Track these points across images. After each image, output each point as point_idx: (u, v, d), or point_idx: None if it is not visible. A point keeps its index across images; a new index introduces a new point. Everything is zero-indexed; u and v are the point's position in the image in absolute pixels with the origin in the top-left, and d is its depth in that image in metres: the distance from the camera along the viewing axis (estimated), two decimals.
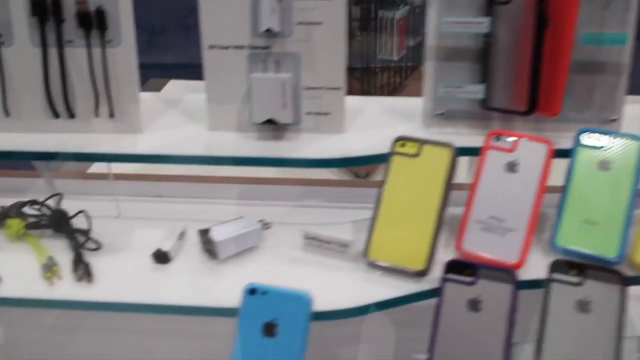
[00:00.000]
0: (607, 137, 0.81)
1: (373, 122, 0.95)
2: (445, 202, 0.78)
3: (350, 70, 1.50)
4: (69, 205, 0.89)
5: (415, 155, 0.81)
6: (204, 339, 0.94)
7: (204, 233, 0.82)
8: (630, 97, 0.88)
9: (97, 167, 1.28)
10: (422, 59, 0.91)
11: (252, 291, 0.71)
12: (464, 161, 0.85)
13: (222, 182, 1.33)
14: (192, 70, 0.98)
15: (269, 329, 0.70)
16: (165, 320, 0.96)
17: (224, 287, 0.79)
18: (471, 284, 0.73)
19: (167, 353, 0.97)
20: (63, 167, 1.44)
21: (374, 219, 0.80)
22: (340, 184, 1.23)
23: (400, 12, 2.20)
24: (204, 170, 1.33)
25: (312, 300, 0.70)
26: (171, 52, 2.36)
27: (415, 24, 2.20)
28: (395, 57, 2.13)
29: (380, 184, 0.81)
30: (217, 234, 0.80)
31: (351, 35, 2.04)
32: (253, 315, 0.71)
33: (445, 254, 0.78)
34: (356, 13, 2.10)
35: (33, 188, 1.07)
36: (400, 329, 0.94)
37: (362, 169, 1.93)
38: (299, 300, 0.70)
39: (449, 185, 0.79)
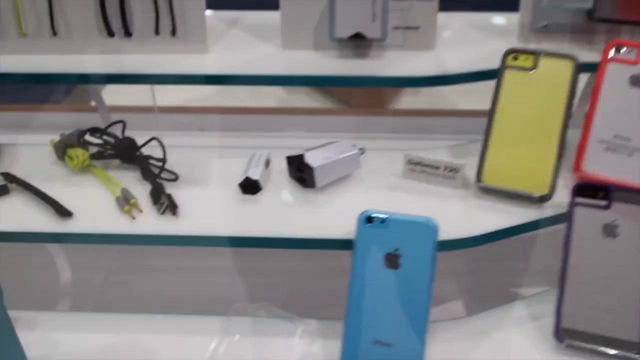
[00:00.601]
0: None
1: (464, 38, 0.87)
2: (567, 120, 0.71)
3: None
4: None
5: (531, 69, 0.73)
6: (297, 274, 0.87)
7: (295, 160, 0.74)
8: None
9: (131, 99, 1.19)
10: None
11: (369, 219, 0.64)
12: None
13: (267, 113, 1.25)
14: None
15: (392, 261, 0.63)
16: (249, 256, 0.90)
17: (323, 217, 0.71)
18: (605, 207, 0.66)
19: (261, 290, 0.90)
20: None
21: (486, 140, 0.73)
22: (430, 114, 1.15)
23: None
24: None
25: (438, 227, 0.63)
26: None
27: None
28: None
29: (492, 103, 0.73)
30: (313, 160, 0.72)
31: None
32: (372, 245, 0.64)
33: (565, 177, 0.72)
34: None
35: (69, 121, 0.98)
36: (494, 263, 0.88)
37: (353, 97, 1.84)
38: (424, 227, 0.63)
39: (571, 102, 0.71)
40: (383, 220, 0.64)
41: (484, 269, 0.88)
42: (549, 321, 0.66)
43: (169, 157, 0.77)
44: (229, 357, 0.65)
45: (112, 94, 1.15)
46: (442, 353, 0.65)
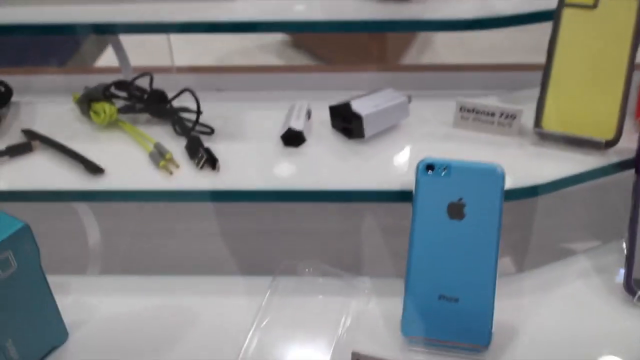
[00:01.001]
0: None
1: None
2: (633, 60, 0.66)
3: None
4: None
5: (593, 7, 0.68)
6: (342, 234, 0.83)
7: (341, 109, 0.70)
8: None
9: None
10: None
11: (429, 167, 0.60)
12: None
13: (281, 71, 1.20)
14: None
15: (456, 211, 0.59)
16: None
17: (373, 169, 0.67)
18: None
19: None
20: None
21: (544, 84, 0.68)
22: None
23: None
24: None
25: (504, 174, 0.59)
26: None
27: None
28: None
29: (550, 43, 0.68)
30: (361, 108, 0.68)
31: None
32: (434, 195, 0.59)
33: (628, 123, 0.68)
34: None
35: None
36: (539, 217, 0.84)
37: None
38: (489, 174, 0.59)
39: (637, 40, 0.67)
40: (445, 168, 0.59)
41: (529, 225, 0.84)
42: (616, 274, 0.63)
43: (206, 110, 0.72)
44: (276, 318, 0.61)
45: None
46: (509, 309, 0.61)
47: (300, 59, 2.08)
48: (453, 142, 0.70)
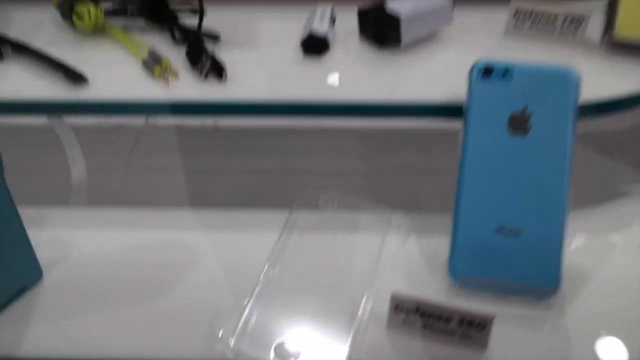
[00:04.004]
0: None
1: None
2: None
3: None
4: None
5: None
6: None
7: (373, 12, 0.58)
8: None
9: None
10: None
11: (486, 71, 0.48)
12: None
13: None
14: None
15: (519, 123, 0.48)
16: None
17: (411, 80, 0.56)
18: None
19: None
20: None
21: None
22: None
23: None
24: None
25: (579, 78, 0.48)
26: None
27: None
28: None
29: None
30: (399, 8, 0.56)
31: None
32: (492, 105, 0.48)
33: None
34: None
35: None
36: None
37: None
38: (561, 78, 0.48)
39: None
40: (505, 72, 0.48)
41: (594, 159, 0.73)
42: None
43: (207, 17, 0.61)
44: (296, 259, 0.50)
45: None
46: (579, 248, 0.50)
47: None
48: (506, 53, 0.58)
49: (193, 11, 0.60)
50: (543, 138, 0.47)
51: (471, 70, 0.49)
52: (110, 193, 0.70)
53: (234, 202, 0.63)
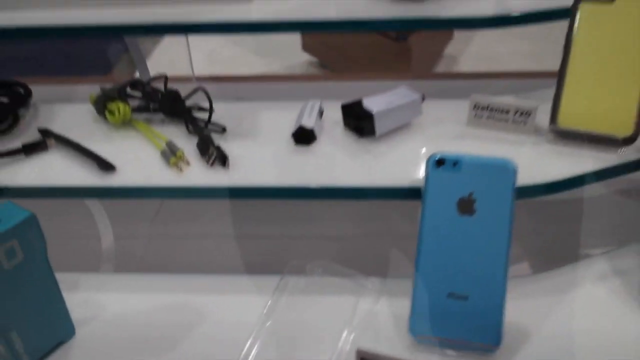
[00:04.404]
0: None
1: None
2: None
3: None
4: None
5: (610, 2, 0.66)
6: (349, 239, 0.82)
7: (353, 107, 0.69)
8: None
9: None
10: None
11: (439, 162, 0.58)
12: None
13: (299, 80, 1.20)
14: None
15: (466, 206, 0.57)
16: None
17: (383, 167, 0.66)
18: None
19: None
20: (108, 75, 1.31)
21: (561, 80, 0.67)
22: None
23: None
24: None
25: (517, 168, 0.57)
26: None
27: None
28: None
29: (567, 39, 0.67)
30: (373, 105, 0.67)
31: None
32: (444, 191, 0.58)
33: None
34: None
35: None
36: (560, 222, 0.82)
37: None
38: (501, 168, 0.57)
39: None
40: (455, 163, 0.58)
41: (546, 226, 0.82)
42: (633, 276, 0.60)
43: (216, 112, 0.73)
44: (283, 317, 0.60)
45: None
46: (522, 309, 0.59)
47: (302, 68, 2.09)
48: (466, 141, 0.68)
49: (204, 109, 0.72)
50: (487, 218, 0.57)
51: (427, 161, 0.59)
52: (133, 259, 0.82)
53: (235, 268, 0.74)
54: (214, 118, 0.73)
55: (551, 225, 0.81)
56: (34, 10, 0.78)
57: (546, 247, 0.82)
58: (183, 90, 0.78)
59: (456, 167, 0.58)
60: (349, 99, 0.72)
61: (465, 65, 2.09)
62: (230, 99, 1.10)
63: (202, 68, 1.15)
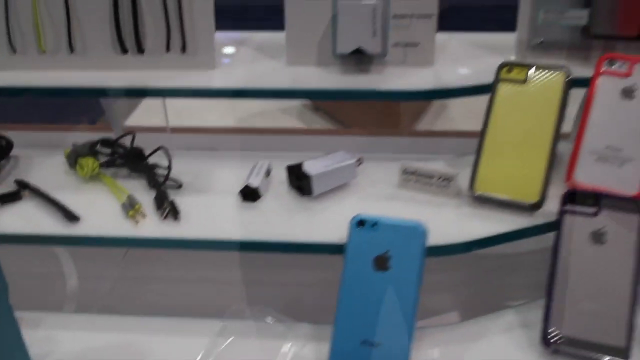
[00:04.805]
0: None
1: (462, 55, 0.89)
2: (558, 131, 0.73)
3: None
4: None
5: (524, 82, 0.75)
6: (289, 285, 0.89)
7: (294, 169, 0.77)
8: None
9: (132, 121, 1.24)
10: None
11: (360, 223, 0.66)
12: None
13: (278, 133, 1.28)
14: None
15: (381, 263, 0.65)
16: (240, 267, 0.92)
17: (319, 224, 0.74)
18: (593, 214, 0.68)
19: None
20: (99, 120, 1.39)
21: (479, 150, 0.74)
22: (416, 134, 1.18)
23: None
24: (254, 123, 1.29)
25: (427, 231, 0.65)
26: None
27: None
28: None
29: (486, 114, 0.75)
30: (311, 168, 0.75)
31: None
32: (363, 248, 0.66)
33: (556, 188, 0.73)
34: None
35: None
36: (489, 276, 0.89)
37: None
38: (413, 231, 0.65)
39: (563, 113, 0.73)
40: (374, 224, 0.66)
41: (480, 281, 0.89)
42: (539, 328, 0.67)
43: (176, 167, 0.81)
44: (221, 358, 0.67)
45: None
46: (429, 356, 0.66)
47: (320, 122, 2.18)
48: (395, 202, 0.76)
49: (164, 168, 0.80)
50: (399, 274, 0.64)
51: (350, 221, 0.67)
52: (96, 300, 0.89)
53: (186, 309, 0.81)
54: (177, 172, 0.81)
55: (479, 278, 0.88)
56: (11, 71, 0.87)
57: (473, 297, 0.89)
58: (156, 140, 0.86)
59: (375, 227, 0.66)
60: (319, 152, 0.79)
61: (449, 119, 2.18)
62: (203, 149, 1.19)
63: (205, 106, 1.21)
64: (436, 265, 0.73)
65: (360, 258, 0.65)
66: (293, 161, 0.79)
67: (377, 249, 0.65)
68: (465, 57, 0.88)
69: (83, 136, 0.95)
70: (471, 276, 0.89)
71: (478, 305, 0.88)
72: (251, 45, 0.94)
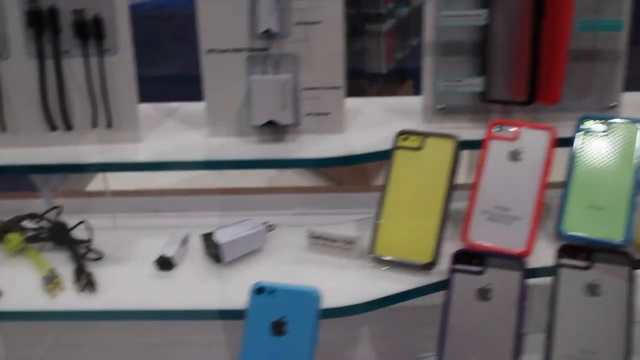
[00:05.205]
0: (607, 122, 0.80)
1: (373, 121, 0.94)
2: (450, 194, 0.77)
3: None
4: (69, 222, 0.88)
5: (419, 149, 0.80)
6: (209, 347, 0.92)
7: (208, 237, 0.81)
8: None
9: (95, 185, 1.28)
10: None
11: (259, 290, 0.70)
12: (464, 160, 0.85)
13: (217, 193, 1.33)
14: None
15: (278, 328, 0.69)
16: (168, 331, 0.95)
17: (230, 290, 0.77)
18: (480, 273, 0.72)
19: None
20: (62, 187, 1.43)
21: (379, 215, 0.79)
22: (341, 190, 1.23)
23: (387, 25, 2.20)
24: (202, 183, 1.34)
25: (320, 296, 0.69)
26: None
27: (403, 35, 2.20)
28: (383, 71, 2.13)
29: (385, 180, 0.80)
30: (222, 237, 0.79)
31: None
32: (261, 314, 0.69)
33: (453, 247, 0.77)
34: None
35: (32, 207, 1.06)
36: (406, 328, 0.92)
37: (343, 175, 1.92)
38: (307, 296, 0.69)
39: (454, 177, 0.78)
40: (272, 291, 0.70)
41: (398, 333, 0.92)
42: None
43: (102, 238, 0.85)
44: None
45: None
46: None
47: (281, 177, 2.23)
48: (303, 265, 0.80)
49: (86, 241, 0.84)
50: (294, 338, 0.68)
51: (251, 289, 0.71)
52: None
53: None
54: (100, 244, 0.85)
55: (398, 330, 0.91)
56: None
57: (389, 351, 0.92)
58: (98, 205, 0.89)
59: (272, 294, 0.70)
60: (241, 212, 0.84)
61: None
62: (148, 211, 1.23)
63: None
64: (355, 320, 0.77)
65: (259, 323, 0.69)
66: (230, 221, 0.83)
67: (275, 314, 0.69)
68: (376, 123, 0.94)
69: (22, 204, 0.99)
70: (390, 329, 0.92)
71: (395, 358, 0.91)
72: (176, 116, 0.99)
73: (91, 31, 0.86)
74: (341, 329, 0.81)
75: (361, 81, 2.14)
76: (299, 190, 1.33)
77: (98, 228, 0.87)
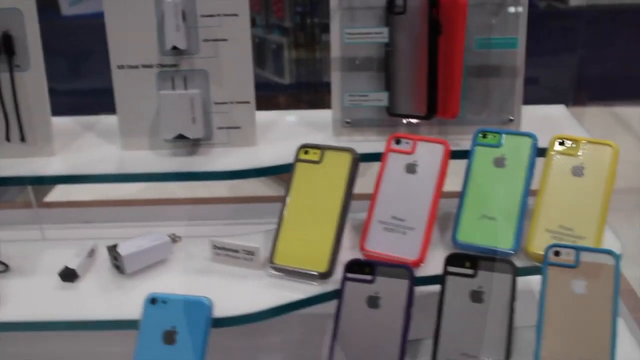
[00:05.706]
0: (502, 135, 0.84)
1: (285, 134, 0.97)
2: (346, 206, 0.80)
3: None
4: None
5: (318, 162, 0.82)
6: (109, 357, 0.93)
7: (113, 249, 0.82)
8: None
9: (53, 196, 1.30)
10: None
11: (152, 300, 0.72)
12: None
13: (151, 204, 1.34)
14: None
15: (169, 337, 0.70)
16: (71, 341, 0.95)
17: (132, 301, 0.78)
18: (370, 281, 0.74)
19: None
20: (19, 197, 1.43)
21: (279, 226, 0.81)
22: (255, 200, 1.26)
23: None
24: (168, 191, 1.35)
25: (212, 306, 0.71)
26: None
27: None
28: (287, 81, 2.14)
29: (285, 192, 0.82)
30: (124, 248, 0.81)
31: None
32: (154, 324, 0.71)
33: (352, 256, 0.80)
34: None
35: None
36: (308, 336, 0.94)
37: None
38: (197, 306, 0.71)
39: (351, 189, 0.80)
40: (164, 301, 0.72)
41: (309, 341, 0.94)
42: None
43: (12, 250, 0.86)
44: None
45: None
46: None
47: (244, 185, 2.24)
48: (206, 275, 0.82)
49: None
50: (184, 348, 0.70)
51: (144, 299, 0.72)
52: None
53: None
54: (8, 256, 0.86)
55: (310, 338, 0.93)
56: None
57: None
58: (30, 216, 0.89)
59: (165, 304, 0.71)
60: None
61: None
62: (80, 222, 1.23)
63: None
64: (270, 326, 0.79)
65: (152, 333, 0.71)
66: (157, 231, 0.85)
67: (166, 324, 0.71)
68: (287, 136, 0.96)
69: None
70: (303, 336, 0.94)
71: None
72: (93, 129, 1.01)
73: (1, 47, 0.87)
74: (244, 337, 0.83)
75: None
76: (231, 200, 1.34)
77: (17, 240, 0.88)
